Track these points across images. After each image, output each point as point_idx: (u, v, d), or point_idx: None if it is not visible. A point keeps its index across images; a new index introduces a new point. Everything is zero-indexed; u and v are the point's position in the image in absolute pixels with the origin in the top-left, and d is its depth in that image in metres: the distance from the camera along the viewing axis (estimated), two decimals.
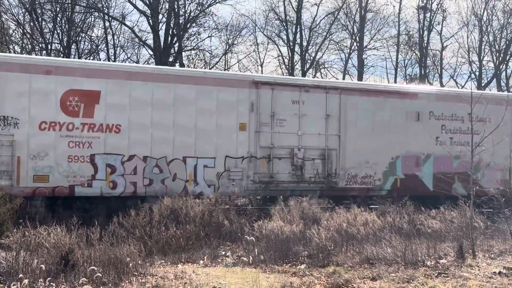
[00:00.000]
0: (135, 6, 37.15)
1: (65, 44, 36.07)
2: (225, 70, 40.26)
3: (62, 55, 34.93)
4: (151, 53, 37.75)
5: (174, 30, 36.83)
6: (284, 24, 42.39)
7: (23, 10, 36.67)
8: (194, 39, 38.74)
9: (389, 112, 19.99)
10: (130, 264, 10.17)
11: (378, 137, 19.74)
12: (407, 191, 19.23)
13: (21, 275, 9.16)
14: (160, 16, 36.90)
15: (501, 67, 45.71)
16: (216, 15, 47.38)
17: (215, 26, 39.76)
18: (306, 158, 18.64)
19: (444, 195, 16.88)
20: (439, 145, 19.90)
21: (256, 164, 17.98)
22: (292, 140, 18.52)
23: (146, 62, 38.43)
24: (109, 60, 36.74)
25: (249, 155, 17.93)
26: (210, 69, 38.11)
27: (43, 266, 9.61)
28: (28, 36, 37.14)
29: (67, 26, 36.30)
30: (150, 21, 36.31)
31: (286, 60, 42.87)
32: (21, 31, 37.55)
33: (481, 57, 45.48)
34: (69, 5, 35.83)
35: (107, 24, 38.10)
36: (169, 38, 36.79)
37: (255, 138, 18.05)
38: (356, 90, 19.73)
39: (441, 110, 20.76)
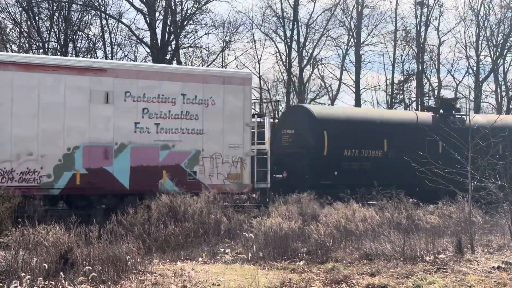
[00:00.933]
0: (132, 4, 37.05)
1: (62, 43, 35.98)
2: (222, 67, 40.24)
3: (59, 53, 34.88)
4: (148, 51, 37.71)
5: (171, 28, 36.74)
6: (281, 21, 42.34)
7: (20, 9, 36.56)
8: (191, 36, 38.69)
9: (64, 91, 16.16)
10: (129, 262, 10.17)
11: (48, 122, 15.96)
12: (92, 189, 16.08)
13: (23, 274, 9.17)
14: (157, 14, 36.81)
15: (498, 61, 45.68)
16: (213, 12, 47.46)
17: (212, 23, 39.72)
18: None
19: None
20: (140, 133, 16.96)
21: None
22: None
23: (144, 60, 38.39)
24: (106, 58, 36.70)
25: None
26: (207, 66, 38.11)
27: (45, 265, 9.60)
28: (25, 35, 37.09)
29: (64, 25, 36.20)
30: (147, 18, 36.23)
31: (283, 57, 42.89)
32: (18, 30, 37.50)
33: (479, 52, 45.46)
34: (66, 3, 35.74)
35: (104, 22, 38.03)
36: (166, 36, 36.71)
37: None
38: (8, 63, 15.79)
39: (143, 90, 17.08)
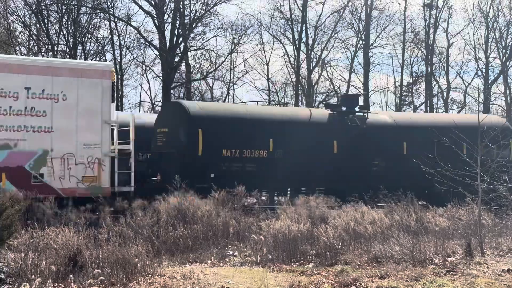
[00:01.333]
0: (140, 7, 37.18)
1: (71, 46, 36.18)
2: (230, 69, 40.43)
3: (68, 56, 35.04)
4: (157, 53, 37.84)
5: (180, 30, 36.85)
6: (290, 23, 42.40)
7: (29, 12, 36.82)
8: (200, 38, 38.84)
9: None
10: (138, 265, 10.18)
11: None
12: None
13: (32, 276, 9.19)
14: (166, 16, 36.96)
15: (508, 63, 45.54)
16: (221, 15, 47.57)
17: (221, 26, 39.85)
18: None
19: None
20: None
21: None
22: None
23: (152, 63, 38.56)
24: (115, 61, 36.85)
25: None
26: (216, 69, 38.27)
27: (53, 267, 9.62)
28: (35, 38, 37.29)
29: (73, 27, 36.40)
30: (156, 21, 36.35)
31: (291, 59, 42.93)
32: (28, 33, 37.71)
33: (488, 54, 45.33)
34: (75, 6, 35.92)
35: (112, 25, 38.27)
36: (175, 38, 36.82)
37: None
38: None
39: None
